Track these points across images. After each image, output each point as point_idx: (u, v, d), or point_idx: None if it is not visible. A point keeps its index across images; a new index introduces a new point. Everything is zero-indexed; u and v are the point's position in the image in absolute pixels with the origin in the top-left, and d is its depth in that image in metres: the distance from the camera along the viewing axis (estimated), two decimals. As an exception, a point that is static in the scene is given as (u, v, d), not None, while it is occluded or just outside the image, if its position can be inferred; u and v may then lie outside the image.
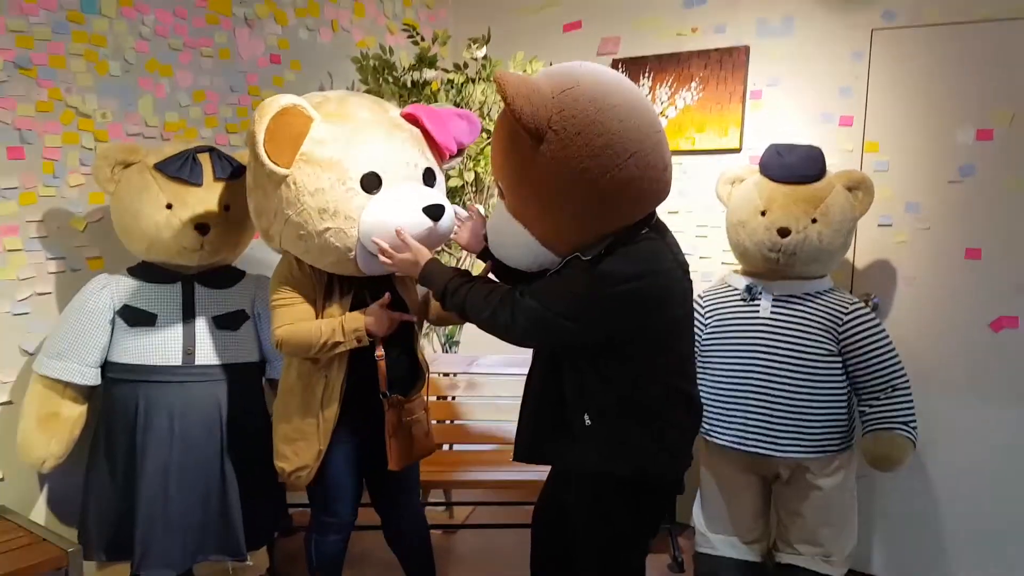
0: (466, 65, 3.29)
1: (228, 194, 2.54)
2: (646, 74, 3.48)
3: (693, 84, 3.38)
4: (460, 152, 2.42)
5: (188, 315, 2.52)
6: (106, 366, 2.51)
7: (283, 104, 2.09)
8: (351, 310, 2.27)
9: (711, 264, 3.41)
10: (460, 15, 4.05)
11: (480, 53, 3.22)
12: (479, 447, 3.46)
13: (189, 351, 2.49)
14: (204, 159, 2.53)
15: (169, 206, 2.45)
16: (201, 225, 2.46)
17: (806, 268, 2.71)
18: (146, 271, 2.55)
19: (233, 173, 2.55)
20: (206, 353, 2.52)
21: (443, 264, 2.12)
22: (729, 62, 3.29)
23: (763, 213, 2.71)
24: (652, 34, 3.52)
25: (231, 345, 2.58)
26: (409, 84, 3.31)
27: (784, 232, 2.64)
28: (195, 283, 2.56)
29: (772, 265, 2.71)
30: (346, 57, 3.59)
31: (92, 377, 2.48)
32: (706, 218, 3.43)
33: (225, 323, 2.57)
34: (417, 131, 2.33)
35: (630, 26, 3.59)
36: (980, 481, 2.98)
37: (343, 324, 2.20)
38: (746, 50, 3.28)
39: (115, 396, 2.50)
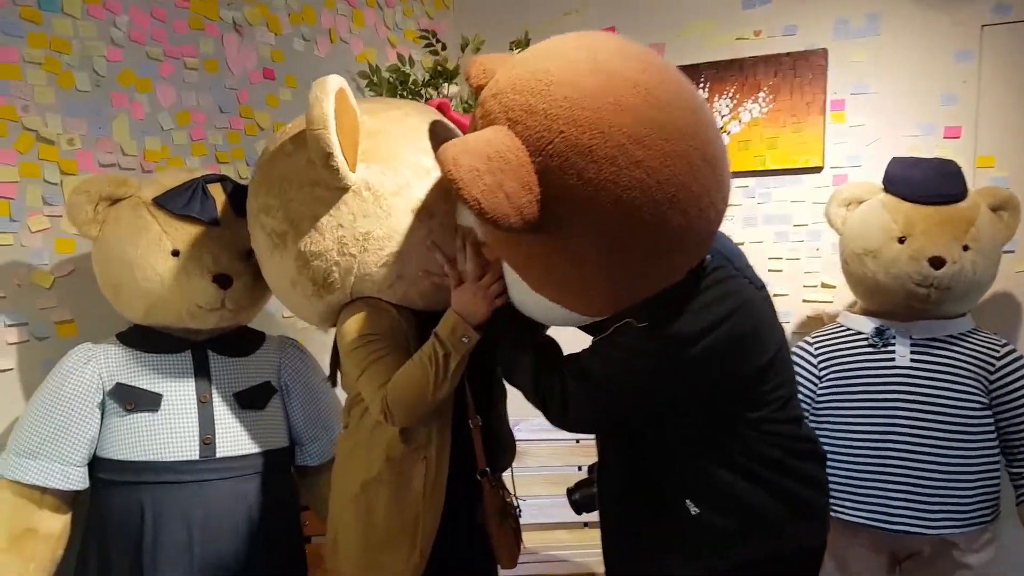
0: (500, 77, 2.79)
1: (249, 235, 1.99)
2: (701, 84, 3.05)
3: (761, 95, 2.97)
4: None
5: (203, 393, 1.93)
6: (95, 463, 1.90)
7: (340, 85, 1.62)
8: None
9: (790, 302, 2.98)
10: (463, 23, 3.56)
11: (523, 60, 2.74)
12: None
13: (208, 440, 1.90)
14: (216, 191, 1.98)
15: (176, 252, 1.89)
16: (222, 277, 1.90)
17: (955, 305, 2.29)
18: (144, 338, 1.96)
19: (256, 208, 2.00)
20: (229, 441, 1.93)
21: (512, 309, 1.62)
22: (805, 68, 2.89)
23: (901, 240, 2.28)
24: (704, 40, 3.10)
25: (258, 428, 2.00)
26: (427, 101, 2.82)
27: (938, 263, 2.21)
28: (208, 351, 1.99)
29: (918, 302, 2.27)
30: (345, 72, 3.05)
31: (79, 480, 1.88)
32: (779, 249, 3.01)
33: (250, 400, 1.99)
34: None
35: (675, 32, 3.17)
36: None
37: (437, 335, 1.63)
38: (824, 54, 2.89)
39: (110, 503, 1.88)
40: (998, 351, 2.27)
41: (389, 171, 1.68)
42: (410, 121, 1.79)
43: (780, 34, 3.00)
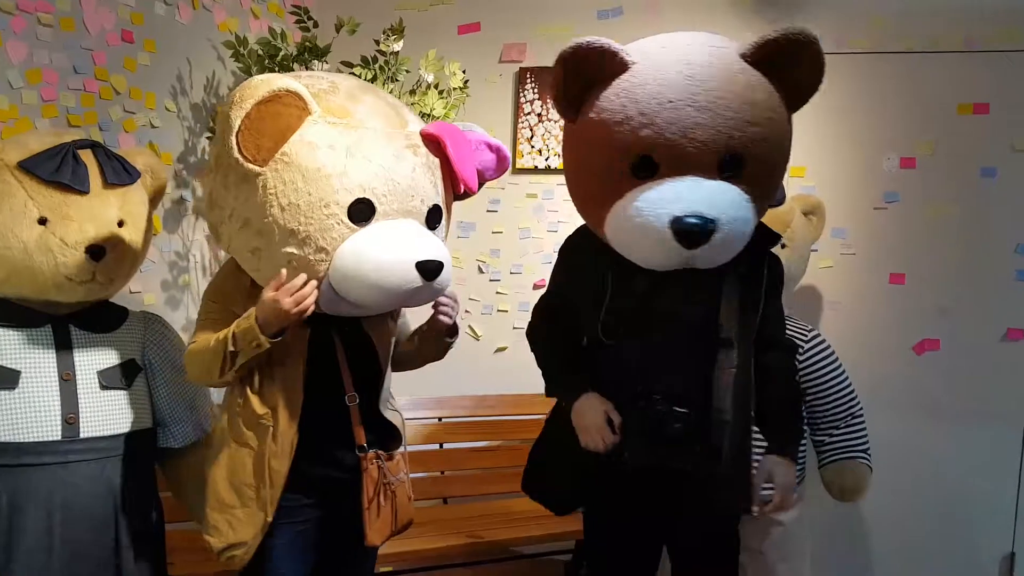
0: (374, 59, 2.80)
1: (121, 205, 1.91)
2: (558, 84, 3.16)
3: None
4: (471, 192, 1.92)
5: (65, 370, 1.83)
6: (-61, 445, 1.76)
7: (276, 88, 1.58)
8: (310, 346, 1.79)
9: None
10: (325, 3, 3.49)
11: (398, 46, 2.75)
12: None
13: (71, 419, 1.81)
14: (87, 157, 1.86)
15: (43, 221, 1.78)
16: (94, 248, 1.80)
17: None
18: (-1, 310, 1.84)
19: (127, 177, 1.92)
20: (93, 420, 1.84)
21: None
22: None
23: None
24: (562, 43, 3.19)
25: (123, 408, 1.91)
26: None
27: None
28: (70, 325, 1.88)
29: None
30: (206, 41, 2.96)
31: (-79, 463, 1.73)
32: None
33: (114, 379, 1.90)
34: (434, 159, 1.82)
35: (536, 34, 3.30)
36: (904, 498, 3.07)
37: (233, 332, 1.70)
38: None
39: (-44, 489, 1.76)
40: (806, 336, 2.55)
41: (292, 186, 1.64)
42: (357, 151, 1.68)
43: (630, 46, 3.15)
